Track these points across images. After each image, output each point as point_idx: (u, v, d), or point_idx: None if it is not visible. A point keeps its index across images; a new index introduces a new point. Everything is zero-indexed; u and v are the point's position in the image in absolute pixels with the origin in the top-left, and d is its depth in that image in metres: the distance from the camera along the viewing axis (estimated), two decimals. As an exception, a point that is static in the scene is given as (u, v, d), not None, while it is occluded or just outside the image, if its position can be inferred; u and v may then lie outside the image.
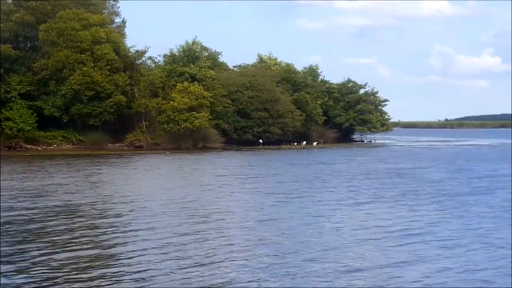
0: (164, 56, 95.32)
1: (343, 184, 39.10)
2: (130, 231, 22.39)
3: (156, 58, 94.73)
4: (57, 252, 18.59)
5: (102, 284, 15.35)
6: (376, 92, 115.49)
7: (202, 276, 16.01)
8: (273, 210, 27.61)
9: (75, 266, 17.04)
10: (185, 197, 31.89)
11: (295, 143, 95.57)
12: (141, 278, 15.80)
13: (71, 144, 78.35)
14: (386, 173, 48.07)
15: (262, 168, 51.80)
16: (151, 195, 32.91)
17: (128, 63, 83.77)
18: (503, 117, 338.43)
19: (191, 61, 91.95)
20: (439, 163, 59.64)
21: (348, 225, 23.99)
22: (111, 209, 27.97)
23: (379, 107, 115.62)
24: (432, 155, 75.24)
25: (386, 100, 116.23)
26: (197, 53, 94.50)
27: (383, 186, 37.79)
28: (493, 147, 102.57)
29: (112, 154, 70.41)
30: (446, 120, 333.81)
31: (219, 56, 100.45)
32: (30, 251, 18.69)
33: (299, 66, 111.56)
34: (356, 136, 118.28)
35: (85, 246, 19.57)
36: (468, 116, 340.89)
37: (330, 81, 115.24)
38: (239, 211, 27.51)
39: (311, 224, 24.11)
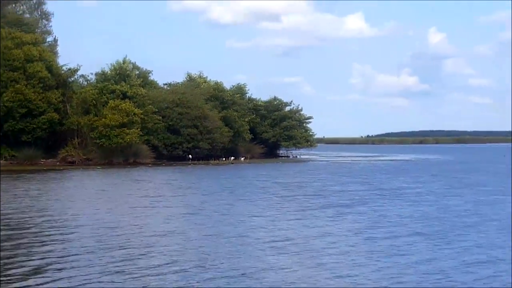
0: (96, 74, 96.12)
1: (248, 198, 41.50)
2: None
3: (88, 76, 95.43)
4: None
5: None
6: (301, 110, 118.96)
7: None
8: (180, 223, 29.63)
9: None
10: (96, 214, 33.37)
11: (223, 159, 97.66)
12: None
13: (3, 159, 78.29)
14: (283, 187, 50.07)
15: (184, 183, 53.86)
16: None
17: (60, 81, 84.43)
18: (421, 133, 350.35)
19: (122, 79, 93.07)
20: (350, 177, 62.91)
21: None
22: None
23: (304, 123, 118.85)
24: (344, 170, 78.41)
25: (310, 117, 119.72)
26: (128, 72, 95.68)
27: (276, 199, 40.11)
28: (408, 162, 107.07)
29: (44, 169, 70.92)
30: (368, 136, 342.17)
31: (149, 74, 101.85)
32: None
33: (227, 84, 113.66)
34: (282, 152, 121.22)
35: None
36: (389, 133, 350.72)
37: (257, 99, 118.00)
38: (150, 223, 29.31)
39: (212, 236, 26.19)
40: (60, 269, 18.29)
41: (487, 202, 37.94)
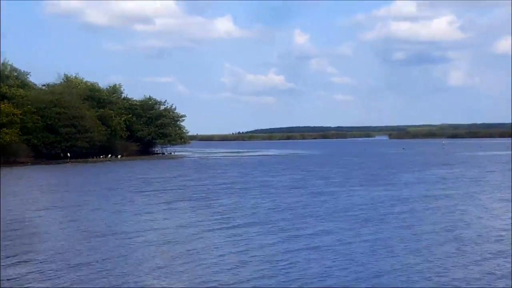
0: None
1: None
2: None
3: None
4: None
5: None
6: (175, 108, 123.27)
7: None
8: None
9: None
10: None
11: (101, 156, 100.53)
12: None
13: None
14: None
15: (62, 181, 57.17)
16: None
17: None
18: (288, 129, 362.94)
19: (1, 81, 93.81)
20: (213, 170, 68.36)
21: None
22: None
23: (177, 121, 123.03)
24: (210, 164, 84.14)
25: (183, 116, 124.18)
26: (6, 73, 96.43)
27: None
28: (276, 157, 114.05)
29: None
30: (239, 133, 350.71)
31: (27, 75, 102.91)
32: None
33: (103, 85, 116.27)
34: (157, 149, 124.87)
35: None
36: (258, 129, 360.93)
37: (133, 99, 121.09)
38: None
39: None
40: None
41: (326, 194, 41.22)
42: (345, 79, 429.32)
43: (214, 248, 22.56)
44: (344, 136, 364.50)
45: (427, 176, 55.56)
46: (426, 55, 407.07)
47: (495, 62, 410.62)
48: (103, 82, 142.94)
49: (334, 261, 19.94)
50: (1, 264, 19.63)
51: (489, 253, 20.78)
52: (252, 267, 19.34)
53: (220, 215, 31.27)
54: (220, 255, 21.13)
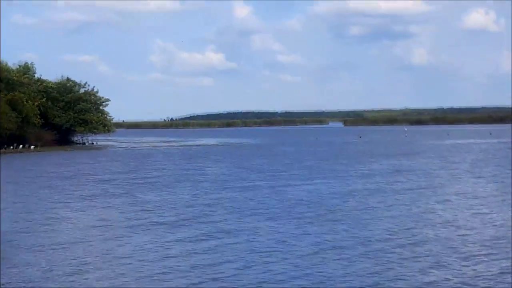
0: None
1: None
2: None
3: None
4: None
5: None
6: (97, 91, 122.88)
7: None
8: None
9: None
10: None
11: (11, 147, 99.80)
12: None
13: None
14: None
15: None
16: None
17: None
18: (229, 115, 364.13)
19: None
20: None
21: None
22: None
23: (100, 107, 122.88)
24: (137, 155, 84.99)
25: (107, 100, 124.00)
26: None
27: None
28: (213, 146, 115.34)
29: None
30: (172, 119, 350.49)
31: None
32: None
33: (13, 64, 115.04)
34: (77, 138, 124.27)
35: None
36: (193, 115, 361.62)
37: (48, 80, 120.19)
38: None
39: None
40: None
41: (265, 188, 42.67)
42: (293, 57, 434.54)
43: (133, 251, 23.06)
44: (292, 122, 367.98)
45: (383, 168, 57.47)
46: (385, 30, 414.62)
47: (464, 38, 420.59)
48: (13, 60, 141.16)
49: (274, 265, 20.35)
50: None
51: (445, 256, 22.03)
52: (177, 273, 19.65)
53: (143, 212, 32.34)
54: (140, 260, 21.49)
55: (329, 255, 21.56)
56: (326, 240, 24.08)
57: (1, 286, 18.28)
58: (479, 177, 48.42)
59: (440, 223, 27.77)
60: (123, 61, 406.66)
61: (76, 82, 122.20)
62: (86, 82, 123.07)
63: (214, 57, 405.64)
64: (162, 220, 29.59)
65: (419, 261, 20.67)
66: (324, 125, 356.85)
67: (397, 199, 35.82)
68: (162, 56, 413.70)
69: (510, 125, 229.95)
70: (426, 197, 36.61)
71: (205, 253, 22.26)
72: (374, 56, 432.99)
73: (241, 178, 50.35)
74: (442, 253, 21.70)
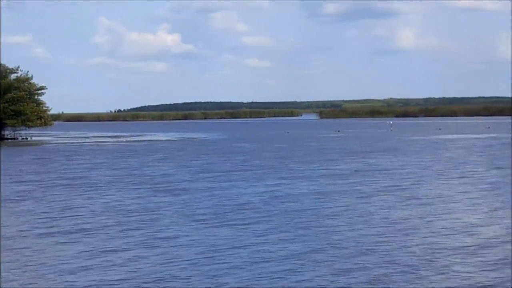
0: None
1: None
2: None
3: None
4: None
5: None
6: (31, 78, 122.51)
7: None
8: None
9: None
10: None
11: None
12: None
13: None
14: None
15: None
16: None
17: None
18: (186, 106, 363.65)
19: None
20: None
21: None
22: None
23: (35, 96, 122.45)
24: (73, 152, 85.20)
25: (43, 87, 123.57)
26: None
27: None
28: (164, 142, 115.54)
29: None
30: (119, 111, 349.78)
31: None
32: None
33: None
34: (8, 133, 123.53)
35: None
36: (145, 106, 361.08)
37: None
38: None
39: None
40: None
41: (210, 190, 43.19)
42: (261, 39, 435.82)
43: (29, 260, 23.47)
44: (260, 114, 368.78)
45: (348, 168, 57.79)
46: (366, 8, 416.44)
47: (458, 18, 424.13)
48: None
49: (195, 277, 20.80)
50: None
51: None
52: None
53: (50, 220, 32.32)
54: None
55: (247, 266, 22.11)
56: (257, 250, 24.54)
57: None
58: (460, 177, 49.03)
59: (397, 230, 28.30)
60: (61, 42, 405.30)
61: (7, 67, 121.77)
62: (18, 67, 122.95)
63: (168, 39, 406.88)
64: (67, 229, 29.66)
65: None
66: (297, 118, 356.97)
67: (347, 203, 36.09)
68: (107, 37, 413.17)
69: (510, 117, 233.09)
70: (383, 201, 36.86)
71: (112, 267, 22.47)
72: (353, 38, 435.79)
73: (181, 179, 50.70)
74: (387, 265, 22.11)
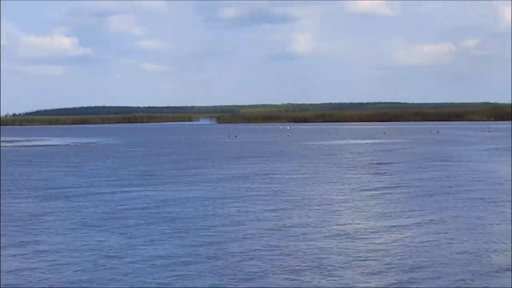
0: None
1: None
2: None
3: None
4: None
5: None
6: None
7: None
8: None
9: None
10: None
11: None
12: None
13: None
14: None
15: None
16: None
17: None
18: (83, 111, 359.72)
19: None
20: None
21: None
22: None
23: None
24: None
25: None
26: None
27: None
28: (56, 147, 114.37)
29: None
30: (14, 115, 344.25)
31: None
32: None
33: None
34: None
35: None
36: (40, 110, 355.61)
37: None
38: None
39: None
40: None
41: (89, 195, 43.12)
42: (157, 43, 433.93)
43: None
44: (157, 119, 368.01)
45: (232, 173, 58.34)
46: (264, 13, 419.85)
47: (353, 23, 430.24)
48: None
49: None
50: None
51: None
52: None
53: None
54: None
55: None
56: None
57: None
58: (343, 183, 50.10)
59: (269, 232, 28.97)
60: None
61: None
62: None
63: (64, 42, 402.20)
64: None
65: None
66: (194, 123, 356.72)
67: (236, 208, 36.58)
68: (3, 40, 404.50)
69: (404, 123, 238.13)
70: (256, 205, 37.48)
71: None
72: (250, 42, 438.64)
73: (59, 185, 50.17)
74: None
